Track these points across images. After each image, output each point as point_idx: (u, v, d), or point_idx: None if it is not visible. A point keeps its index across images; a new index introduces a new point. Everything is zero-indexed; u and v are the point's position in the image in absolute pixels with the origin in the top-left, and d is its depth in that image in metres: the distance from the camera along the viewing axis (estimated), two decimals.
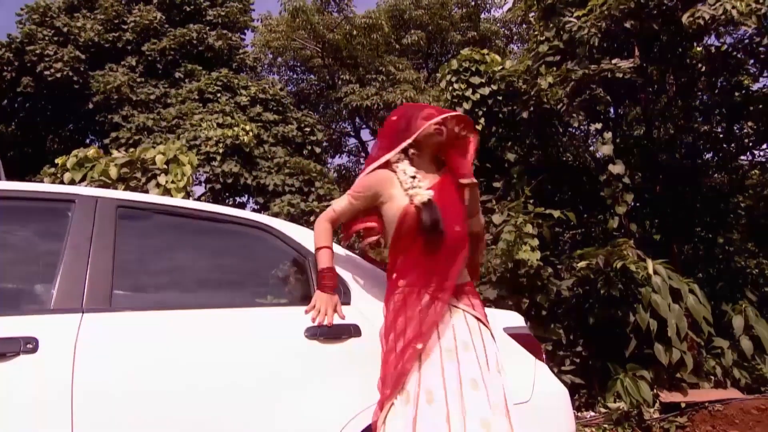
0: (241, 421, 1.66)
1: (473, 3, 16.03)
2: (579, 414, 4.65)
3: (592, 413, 4.71)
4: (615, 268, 4.94)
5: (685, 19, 5.66)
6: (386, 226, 2.04)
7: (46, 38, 11.19)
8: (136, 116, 10.88)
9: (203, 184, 9.93)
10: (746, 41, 6.53)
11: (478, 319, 1.94)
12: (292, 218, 7.57)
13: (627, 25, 6.04)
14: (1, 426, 1.42)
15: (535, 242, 4.95)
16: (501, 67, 6.91)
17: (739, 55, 6.65)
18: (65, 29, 11.44)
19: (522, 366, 2.15)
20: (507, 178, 6.59)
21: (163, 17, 12.35)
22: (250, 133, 10.00)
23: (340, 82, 15.39)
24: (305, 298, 1.97)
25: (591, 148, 7.27)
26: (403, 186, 1.99)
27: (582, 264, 5.13)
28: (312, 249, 2.03)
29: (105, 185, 4.49)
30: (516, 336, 2.21)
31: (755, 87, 7.08)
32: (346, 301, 1.98)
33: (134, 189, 4.64)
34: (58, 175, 4.93)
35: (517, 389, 1.93)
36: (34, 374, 1.48)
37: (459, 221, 1.98)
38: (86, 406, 1.50)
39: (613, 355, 4.90)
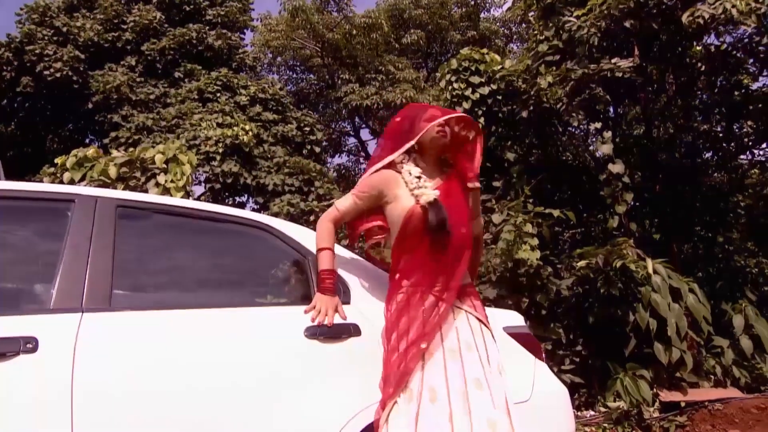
0: (241, 420, 1.66)
1: (473, 2, 16.02)
2: (579, 413, 4.65)
3: (592, 412, 4.71)
4: (615, 267, 4.94)
5: (684, 18, 5.66)
6: (390, 226, 2.04)
7: (46, 38, 11.18)
8: (136, 116, 10.87)
9: (203, 184, 9.94)
10: (746, 40, 6.53)
11: (480, 320, 1.94)
12: (291, 218, 7.56)
13: (626, 24, 6.04)
14: (1, 426, 1.42)
15: (535, 241, 4.95)
16: (500, 66, 6.91)
17: (738, 54, 6.65)
18: (65, 29, 11.44)
19: (522, 365, 2.15)
20: (506, 178, 6.59)
21: (163, 17, 12.35)
22: (250, 133, 9.99)
23: (339, 82, 15.40)
24: (305, 298, 1.97)
25: (591, 148, 7.27)
26: (409, 186, 1.99)
27: (582, 263, 5.13)
28: (312, 248, 2.03)
29: (104, 185, 4.49)
30: (516, 335, 2.21)
31: (755, 86, 7.09)
32: (346, 300, 1.98)
33: (134, 188, 4.64)
34: (58, 175, 4.92)
35: (516, 388, 1.93)
36: (34, 374, 1.48)
37: (464, 222, 1.99)
38: (86, 405, 1.49)
39: (613, 355, 4.91)
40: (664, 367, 4.72)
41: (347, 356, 1.86)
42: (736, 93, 6.92)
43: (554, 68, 6.52)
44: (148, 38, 12.05)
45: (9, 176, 3.19)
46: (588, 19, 6.18)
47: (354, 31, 14.27)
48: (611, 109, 7.21)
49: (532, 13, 8.40)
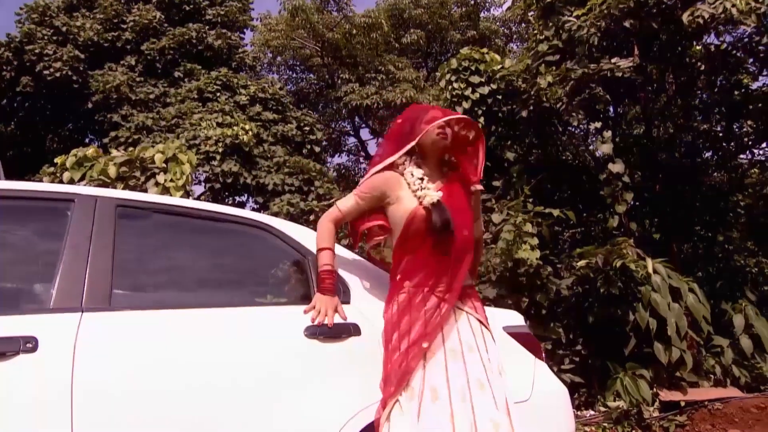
0: (241, 420, 1.66)
1: (473, 2, 16.02)
2: (578, 413, 4.65)
3: (592, 412, 4.71)
4: (614, 266, 4.94)
5: (684, 17, 5.66)
6: (392, 227, 2.04)
7: (46, 38, 11.18)
8: (136, 115, 10.87)
9: (203, 184, 9.94)
10: (746, 40, 6.52)
11: (480, 321, 1.96)
12: (291, 217, 7.56)
13: (626, 24, 6.04)
14: (1, 425, 1.42)
15: (535, 241, 4.95)
16: (500, 66, 6.91)
17: (738, 54, 6.64)
18: (64, 29, 11.43)
19: (521, 365, 2.15)
20: (506, 177, 6.59)
21: (163, 16, 12.34)
22: (250, 133, 9.99)
23: (339, 81, 15.40)
24: (305, 298, 1.97)
25: (590, 147, 7.27)
26: (411, 188, 1.99)
27: (581, 263, 5.13)
28: (312, 248, 2.03)
29: (104, 184, 4.49)
30: (515, 335, 2.22)
31: (755, 86, 7.09)
32: (346, 300, 1.98)
33: (133, 188, 4.64)
34: (58, 175, 4.92)
35: (516, 388, 1.94)
36: (34, 374, 1.48)
37: (467, 224, 1.99)
38: (86, 405, 1.49)
39: (613, 354, 4.91)
40: (663, 367, 4.72)
41: (347, 356, 1.86)
42: (736, 93, 6.91)
43: (554, 68, 6.52)
44: (147, 38, 12.04)
45: (9, 176, 3.20)
46: (588, 18, 6.18)
47: (354, 31, 14.27)
48: (611, 109, 7.21)
49: (531, 13, 8.40)
